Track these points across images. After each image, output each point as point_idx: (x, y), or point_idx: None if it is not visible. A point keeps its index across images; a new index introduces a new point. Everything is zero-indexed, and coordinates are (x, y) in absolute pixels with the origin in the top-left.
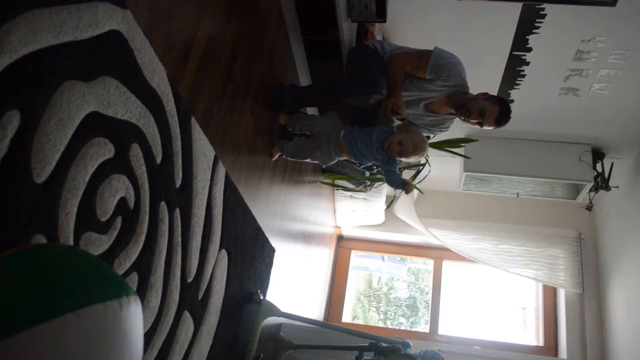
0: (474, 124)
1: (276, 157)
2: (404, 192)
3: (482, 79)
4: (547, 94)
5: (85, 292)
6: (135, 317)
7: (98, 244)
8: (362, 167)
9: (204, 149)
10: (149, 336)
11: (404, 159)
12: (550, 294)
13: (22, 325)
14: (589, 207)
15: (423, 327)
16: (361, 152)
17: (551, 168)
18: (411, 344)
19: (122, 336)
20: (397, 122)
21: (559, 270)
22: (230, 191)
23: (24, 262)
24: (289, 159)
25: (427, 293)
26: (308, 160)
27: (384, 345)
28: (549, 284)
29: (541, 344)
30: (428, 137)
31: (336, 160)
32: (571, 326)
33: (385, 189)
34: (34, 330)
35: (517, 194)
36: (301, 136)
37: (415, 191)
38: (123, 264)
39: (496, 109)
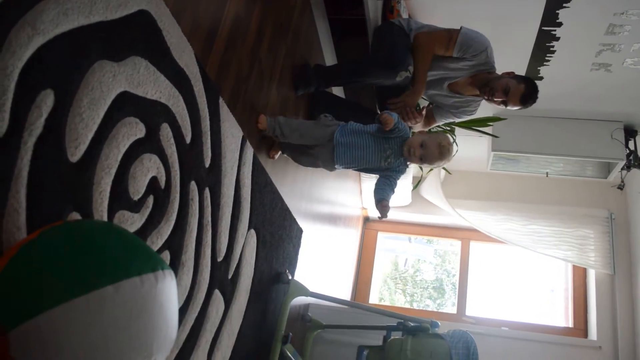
0: (498, 103)
1: (277, 157)
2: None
3: (510, 56)
4: (578, 70)
5: (122, 265)
6: (170, 291)
7: (131, 222)
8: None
9: (232, 129)
10: (181, 313)
11: (427, 165)
12: (580, 275)
13: (62, 297)
14: (621, 186)
15: (450, 309)
16: (360, 159)
17: (582, 146)
18: (439, 324)
19: (158, 308)
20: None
21: (589, 250)
22: (258, 172)
23: (64, 237)
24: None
25: (454, 275)
26: (311, 168)
27: (411, 324)
28: (579, 264)
29: (570, 325)
30: (452, 130)
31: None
32: (601, 307)
33: (412, 170)
34: (74, 302)
35: (547, 173)
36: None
37: (443, 171)
38: (155, 242)
39: (521, 88)
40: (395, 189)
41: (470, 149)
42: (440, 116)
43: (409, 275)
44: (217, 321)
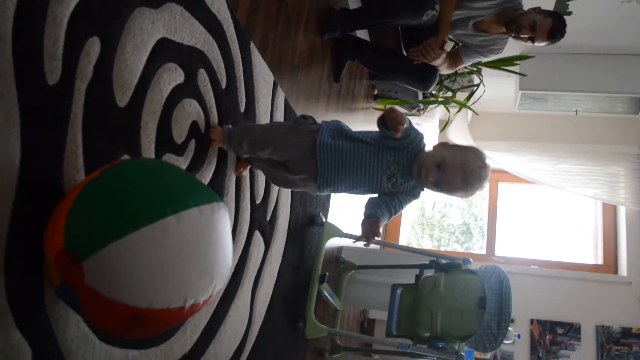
0: (526, 40)
1: (245, 174)
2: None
3: None
4: (609, 3)
5: (181, 197)
6: (225, 221)
7: (176, 165)
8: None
9: (263, 75)
10: None
11: (446, 194)
12: (609, 213)
13: (129, 228)
14: None
15: (478, 252)
16: (349, 170)
17: (612, 82)
18: (471, 260)
19: (216, 237)
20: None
21: (619, 188)
22: (290, 116)
23: (125, 172)
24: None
25: (481, 219)
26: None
27: (444, 262)
28: (609, 202)
29: (600, 262)
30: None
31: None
32: (632, 243)
33: (438, 113)
34: (140, 232)
35: (576, 111)
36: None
37: (469, 113)
38: None
39: (548, 22)
40: (395, 214)
41: (497, 89)
42: (467, 56)
43: (435, 221)
44: (258, 261)
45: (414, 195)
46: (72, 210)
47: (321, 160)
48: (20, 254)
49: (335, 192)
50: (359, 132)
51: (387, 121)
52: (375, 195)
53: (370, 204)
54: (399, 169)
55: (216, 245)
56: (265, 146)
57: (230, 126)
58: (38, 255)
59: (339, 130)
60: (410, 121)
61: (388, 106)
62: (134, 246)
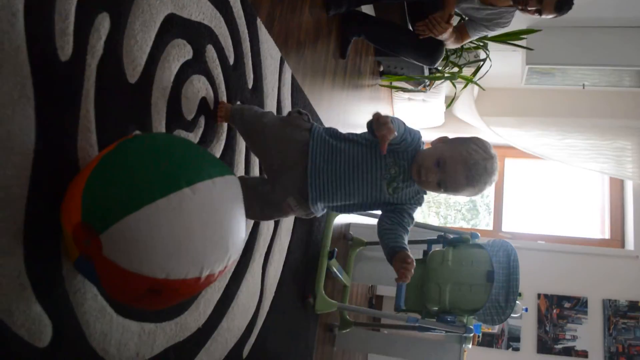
0: (533, 12)
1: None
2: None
3: None
4: None
5: (195, 169)
6: (238, 193)
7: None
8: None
9: (270, 51)
10: None
11: (452, 194)
12: (616, 187)
13: (145, 200)
14: None
15: (485, 228)
16: (345, 176)
17: (620, 55)
18: (479, 235)
19: (230, 208)
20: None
21: (626, 162)
22: (297, 93)
23: (140, 146)
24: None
25: (487, 196)
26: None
27: (451, 237)
28: (616, 176)
29: (607, 237)
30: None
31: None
32: (639, 217)
33: (445, 89)
34: (156, 203)
35: (583, 85)
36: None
37: (476, 88)
38: None
39: None
40: (410, 228)
41: (504, 64)
42: (474, 30)
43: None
44: (268, 237)
45: (418, 202)
46: (88, 184)
47: (311, 158)
48: (38, 229)
49: (328, 203)
50: (353, 134)
51: (375, 129)
52: (378, 213)
53: (386, 233)
54: (399, 172)
55: (230, 217)
56: (256, 131)
57: (239, 103)
58: (55, 230)
59: (334, 131)
60: (404, 123)
61: (374, 112)
62: (150, 218)
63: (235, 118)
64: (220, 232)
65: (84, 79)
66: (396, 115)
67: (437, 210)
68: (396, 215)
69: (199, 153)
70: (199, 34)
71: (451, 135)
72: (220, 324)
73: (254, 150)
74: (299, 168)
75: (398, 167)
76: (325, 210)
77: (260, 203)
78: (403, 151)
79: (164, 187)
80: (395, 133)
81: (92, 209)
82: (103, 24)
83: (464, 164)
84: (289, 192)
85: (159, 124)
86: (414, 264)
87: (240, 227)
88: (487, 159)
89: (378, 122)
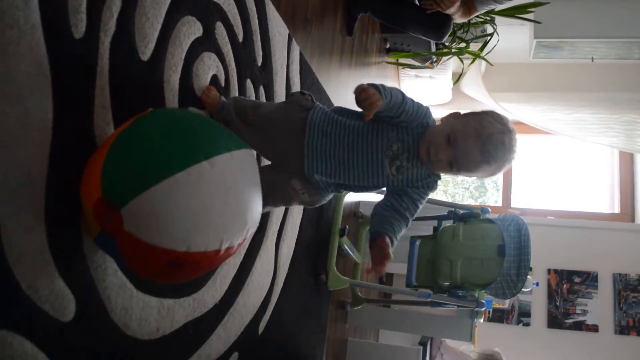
0: None
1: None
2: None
3: None
4: None
5: (212, 142)
6: (254, 166)
7: None
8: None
9: (278, 28)
10: None
11: (466, 175)
12: (626, 161)
13: (165, 174)
14: None
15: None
16: (342, 155)
17: (629, 27)
18: (490, 210)
19: (247, 181)
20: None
21: (636, 135)
22: (305, 70)
23: (157, 121)
24: None
25: None
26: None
27: (462, 212)
28: (626, 150)
29: (617, 211)
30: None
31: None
32: None
33: (451, 65)
34: (175, 177)
35: (592, 58)
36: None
37: (483, 64)
38: None
39: None
40: (412, 217)
41: (511, 39)
42: (481, 4)
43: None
44: (281, 214)
45: (429, 186)
46: (107, 160)
47: (308, 141)
48: (59, 206)
49: (327, 178)
50: (355, 111)
51: (358, 104)
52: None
53: (374, 215)
54: (403, 148)
55: (248, 190)
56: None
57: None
58: (76, 206)
59: (342, 109)
60: (403, 94)
61: (357, 85)
62: (170, 191)
63: (224, 110)
64: (238, 205)
65: (98, 57)
66: (404, 91)
67: (444, 188)
68: (395, 199)
69: (215, 127)
70: (208, 11)
71: (463, 111)
72: (236, 300)
73: (254, 143)
74: (299, 146)
75: (401, 142)
76: (331, 195)
77: (266, 189)
78: (407, 126)
79: (182, 160)
80: (380, 103)
81: (112, 184)
82: (115, 1)
83: (477, 137)
84: (292, 174)
85: (172, 102)
86: (391, 255)
87: (257, 200)
88: (504, 132)
89: (357, 101)
